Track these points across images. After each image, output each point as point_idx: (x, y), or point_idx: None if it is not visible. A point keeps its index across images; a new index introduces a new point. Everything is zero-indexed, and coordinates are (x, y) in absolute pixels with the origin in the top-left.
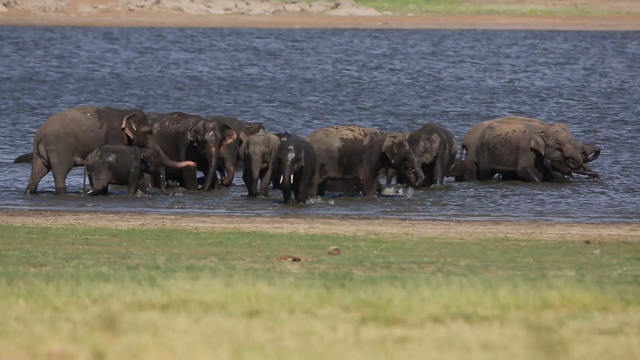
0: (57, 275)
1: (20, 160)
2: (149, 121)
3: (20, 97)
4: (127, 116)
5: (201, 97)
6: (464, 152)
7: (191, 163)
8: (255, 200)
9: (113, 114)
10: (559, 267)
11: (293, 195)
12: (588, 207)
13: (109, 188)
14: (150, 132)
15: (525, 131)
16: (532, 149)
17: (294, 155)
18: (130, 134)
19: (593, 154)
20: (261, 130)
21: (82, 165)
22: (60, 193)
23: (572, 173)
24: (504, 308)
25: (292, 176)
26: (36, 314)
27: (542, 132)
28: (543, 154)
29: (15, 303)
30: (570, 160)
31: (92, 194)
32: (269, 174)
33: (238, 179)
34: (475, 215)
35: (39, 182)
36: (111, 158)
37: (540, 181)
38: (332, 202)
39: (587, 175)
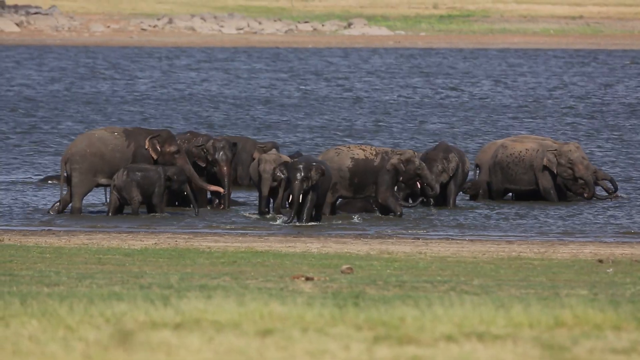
0: (71, 295)
1: (46, 180)
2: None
3: (41, 116)
4: (150, 136)
5: (213, 115)
6: (477, 171)
7: (221, 189)
8: (266, 219)
9: (141, 134)
10: (571, 286)
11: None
12: (601, 226)
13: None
14: (178, 152)
15: (538, 150)
16: (545, 167)
17: (302, 174)
18: (153, 154)
19: (605, 181)
20: (274, 149)
21: (107, 185)
22: (75, 213)
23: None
24: (517, 327)
25: (301, 195)
26: (49, 333)
27: (556, 150)
28: (555, 172)
29: (28, 323)
30: (581, 181)
31: (133, 213)
32: (281, 193)
33: (250, 198)
34: (488, 235)
35: (69, 202)
36: (138, 177)
37: (557, 200)
38: (357, 219)
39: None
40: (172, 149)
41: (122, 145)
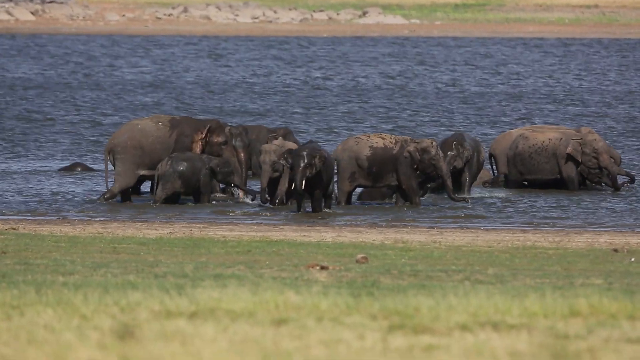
0: (85, 284)
1: (69, 169)
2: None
3: (61, 106)
4: (206, 126)
5: (228, 103)
6: (492, 161)
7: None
8: (275, 209)
9: (187, 123)
10: (586, 275)
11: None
12: (616, 215)
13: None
14: (225, 143)
15: (561, 138)
16: (569, 155)
17: (306, 161)
18: (204, 144)
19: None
20: (280, 138)
21: (150, 177)
22: (109, 197)
23: (602, 183)
24: (532, 316)
25: (303, 182)
26: (64, 322)
27: (580, 139)
28: (580, 160)
29: (43, 312)
30: (605, 170)
31: (154, 203)
32: (285, 181)
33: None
34: (503, 224)
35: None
36: (181, 167)
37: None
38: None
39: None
40: (220, 139)
41: (163, 135)
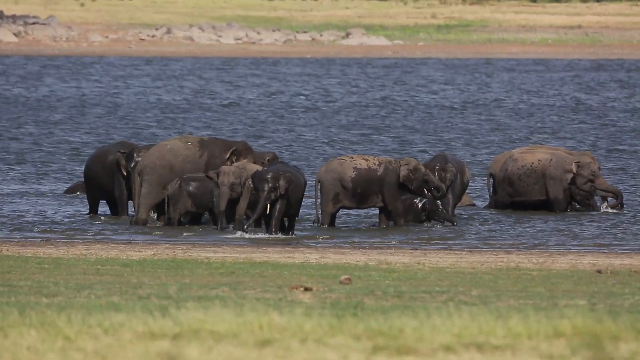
0: (69, 305)
1: (71, 190)
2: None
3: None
4: (232, 148)
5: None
6: (491, 180)
7: None
8: (227, 232)
9: (216, 144)
10: (570, 296)
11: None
12: (599, 237)
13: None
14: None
15: (551, 159)
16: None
17: (270, 185)
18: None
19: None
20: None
21: None
22: (140, 224)
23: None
24: (516, 337)
25: (267, 207)
26: (48, 343)
27: (579, 161)
28: (576, 182)
29: (27, 333)
30: (597, 194)
31: (168, 224)
32: (244, 203)
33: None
34: (486, 245)
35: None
36: (191, 187)
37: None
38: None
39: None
40: (249, 160)
41: (193, 155)
